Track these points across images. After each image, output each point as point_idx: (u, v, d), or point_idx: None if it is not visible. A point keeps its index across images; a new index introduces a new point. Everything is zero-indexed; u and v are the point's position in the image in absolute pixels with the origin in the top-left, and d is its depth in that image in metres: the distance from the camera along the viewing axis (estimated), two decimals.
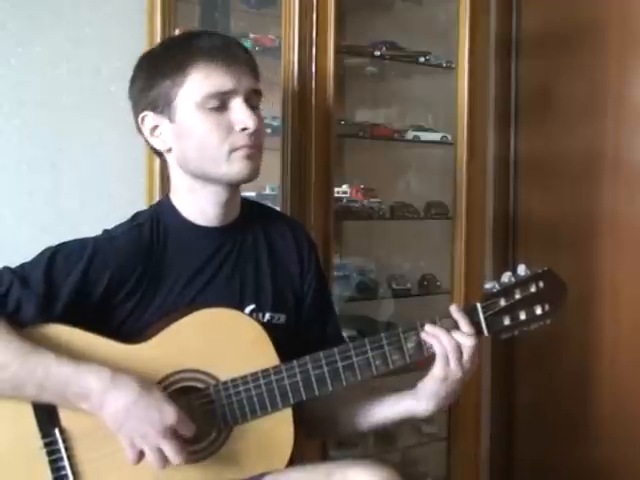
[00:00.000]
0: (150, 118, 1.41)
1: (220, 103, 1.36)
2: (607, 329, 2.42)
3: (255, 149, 1.38)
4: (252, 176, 1.40)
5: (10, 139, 1.81)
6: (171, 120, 1.39)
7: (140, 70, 1.43)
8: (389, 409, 1.45)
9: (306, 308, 1.53)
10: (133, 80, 1.43)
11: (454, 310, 1.37)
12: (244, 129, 1.36)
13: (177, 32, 1.82)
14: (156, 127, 1.41)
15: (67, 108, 1.86)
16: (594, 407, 2.46)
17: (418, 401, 1.41)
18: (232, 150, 1.37)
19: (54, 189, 1.86)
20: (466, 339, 1.34)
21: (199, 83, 1.35)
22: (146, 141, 1.46)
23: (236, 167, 1.38)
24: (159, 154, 1.48)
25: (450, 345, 1.34)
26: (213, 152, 1.37)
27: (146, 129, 1.42)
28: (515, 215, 2.68)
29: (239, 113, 1.36)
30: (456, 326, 1.36)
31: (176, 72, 1.36)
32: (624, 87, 2.38)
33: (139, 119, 1.42)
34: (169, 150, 1.42)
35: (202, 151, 1.38)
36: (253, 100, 1.40)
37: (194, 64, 1.35)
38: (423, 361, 1.39)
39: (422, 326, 1.37)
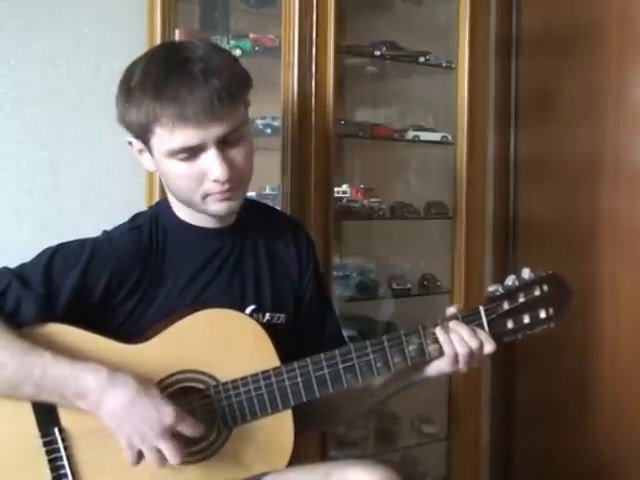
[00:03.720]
0: (135, 143, 1.40)
1: (189, 154, 1.32)
2: (607, 328, 2.42)
3: (231, 192, 1.35)
4: (233, 210, 1.40)
5: (10, 139, 1.81)
6: (151, 155, 1.38)
7: (119, 93, 1.37)
8: (391, 387, 1.47)
9: (305, 307, 1.54)
10: (116, 101, 1.38)
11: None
12: (215, 180, 1.33)
13: (177, 32, 1.83)
14: (142, 151, 1.40)
15: (67, 108, 1.86)
16: (594, 405, 2.46)
17: (415, 377, 1.44)
18: (205, 196, 1.35)
19: (54, 189, 1.86)
20: (478, 347, 1.37)
21: (165, 138, 1.31)
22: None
23: (213, 208, 1.37)
24: None
25: (462, 349, 1.36)
26: (188, 196, 1.37)
27: (134, 150, 1.41)
28: (515, 215, 2.68)
29: (209, 164, 1.32)
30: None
31: (144, 118, 1.31)
32: (624, 88, 2.38)
33: (127, 141, 1.41)
34: (156, 171, 1.43)
35: (179, 191, 1.38)
36: (231, 137, 1.33)
37: (158, 118, 1.29)
38: None
39: (424, 329, 1.37)
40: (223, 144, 1.33)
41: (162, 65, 1.34)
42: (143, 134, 1.35)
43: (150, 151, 1.37)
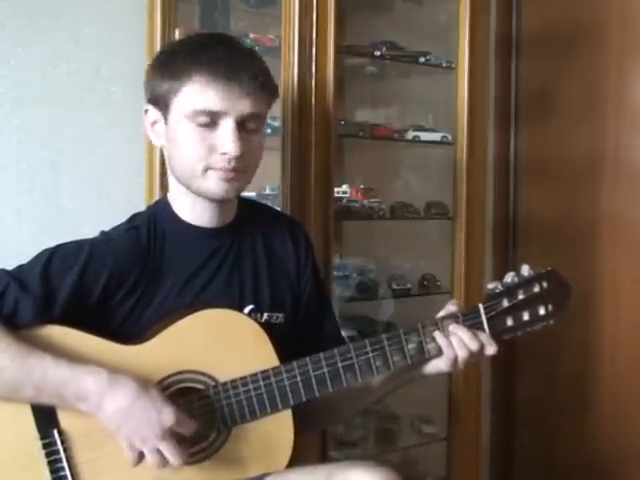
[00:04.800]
0: (152, 112, 1.41)
1: (210, 120, 1.33)
2: (607, 328, 2.42)
3: (234, 173, 1.36)
4: (229, 195, 1.39)
5: (10, 139, 1.81)
6: (166, 121, 1.39)
7: (153, 62, 1.42)
8: (389, 385, 1.48)
9: (303, 306, 1.54)
10: (147, 70, 1.43)
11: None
12: (224, 153, 1.34)
13: (177, 32, 1.83)
14: (155, 122, 1.41)
15: (67, 108, 1.86)
16: (594, 405, 2.46)
17: (413, 376, 1.45)
18: (208, 168, 1.35)
19: (54, 189, 1.86)
20: (478, 349, 1.36)
21: (192, 97, 1.33)
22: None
23: (210, 185, 1.36)
24: None
25: (462, 352, 1.36)
26: (191, 165, 1.36)
27: (147, 121, 1.42)
28: (515, 215, 2.68)
29: (223, 136, 1.34)
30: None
31: (175, 79, 1.34)
32: (624, 88, 2.38)
33: (144, 109, 1.43)
34: (163, 147, 1.44)
35: (183, 160, 1.37)
36: (251, 123, 1.36)
37: (192, 76, 1.33)
38: None
39: (424, 327, 1.37)
40: (241, 126, 1.35)
41: (208, 37, 1.41)
42: (166, 98, 1.36)
43: (166, 117, 1.38)
